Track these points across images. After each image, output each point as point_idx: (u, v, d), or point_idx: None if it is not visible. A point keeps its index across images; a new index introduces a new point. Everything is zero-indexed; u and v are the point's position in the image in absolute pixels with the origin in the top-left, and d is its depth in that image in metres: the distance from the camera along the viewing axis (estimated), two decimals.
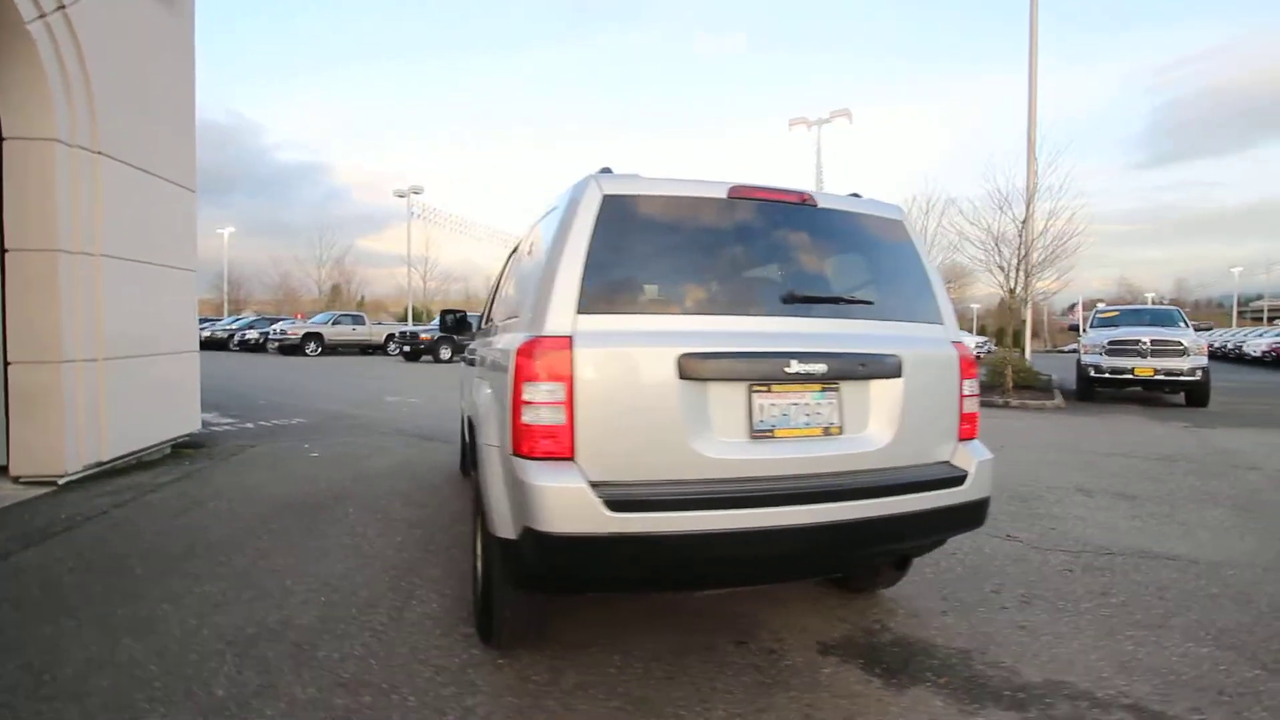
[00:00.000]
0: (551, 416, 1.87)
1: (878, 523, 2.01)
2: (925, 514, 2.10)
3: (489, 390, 2.28)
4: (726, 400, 1.99)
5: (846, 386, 2.11)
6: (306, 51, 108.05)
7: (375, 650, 2.40)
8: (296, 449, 6.26)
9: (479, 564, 2.46)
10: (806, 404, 2.06)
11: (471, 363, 3.93)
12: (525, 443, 1.89)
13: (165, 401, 5.75)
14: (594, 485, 1.81)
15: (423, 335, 20.98)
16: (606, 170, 2.21)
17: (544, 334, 1.92)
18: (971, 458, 2.26)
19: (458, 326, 4.64)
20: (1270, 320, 49.00)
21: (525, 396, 1.88)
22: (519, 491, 1.88)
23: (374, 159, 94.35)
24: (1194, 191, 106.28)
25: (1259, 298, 61.35)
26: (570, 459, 1.88)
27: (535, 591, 2.12)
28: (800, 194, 2.25)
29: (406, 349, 21.08)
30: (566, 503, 1.80)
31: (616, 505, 1.80)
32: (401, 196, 30.01)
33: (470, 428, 4.38)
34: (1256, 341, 25.66)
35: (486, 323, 4.40)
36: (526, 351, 1.91)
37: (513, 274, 3.04)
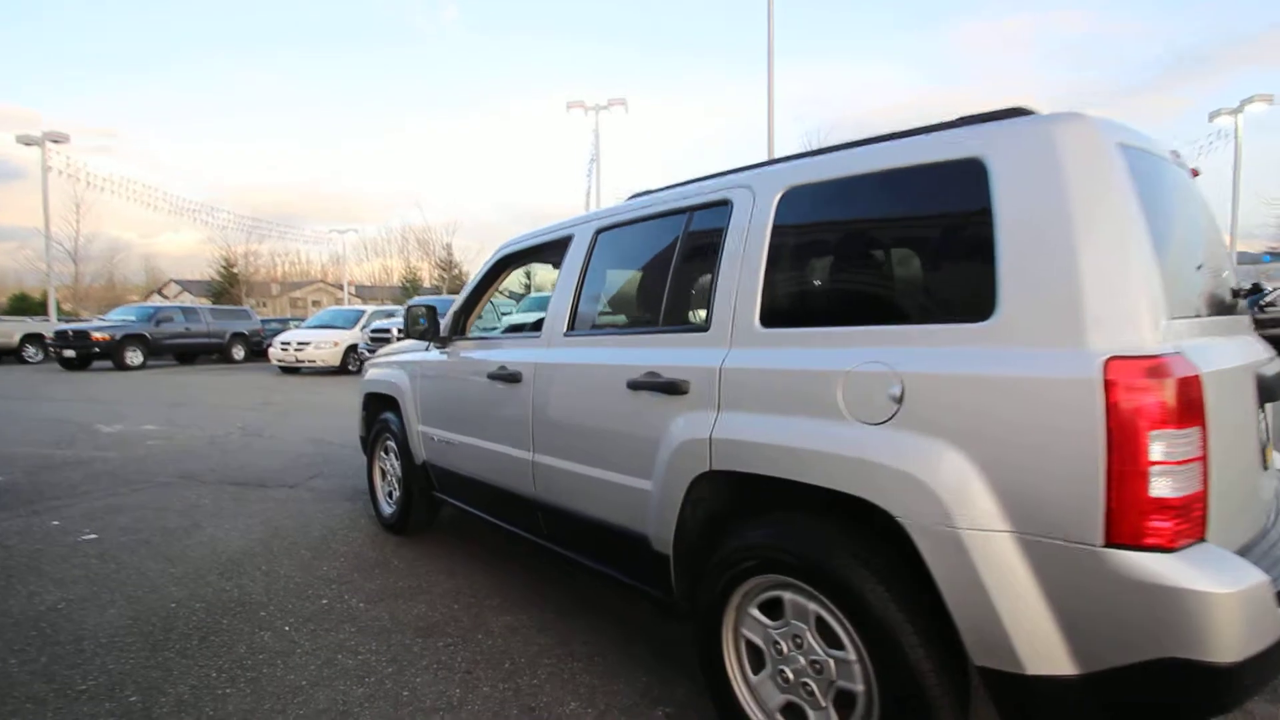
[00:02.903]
0: (1187, 481, 1.20)
1: None
2: None
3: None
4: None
5: None
6: None
7: None
8: (42, 530, 3.91)
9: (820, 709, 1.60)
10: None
11: (506, 378, 2.68)
12: (1150, 524, 1.18)
13: None
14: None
15: (95, 335, 15.60)
16: (1024, 110, 1.53)
17: (1152, 353, 1.21)
18: None
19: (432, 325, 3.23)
20: None
21: (1156, 454, 1.17)
22: (1145, 604, 1.17)
23: None
24: None
25: None
26: (1202, 539, 1.24)
27: None
28: (1193, 168, 1.85)
29: (70, 354, 15.51)
30: (1252, 611, 1.17)
31: None
32: (30, 144, 21.49)
33: (453, 465, 3.08)
34: None
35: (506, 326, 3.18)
36: (1134, 381, 1.18)
37: (700, 261, 2.08)
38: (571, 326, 2.47)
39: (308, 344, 14.87)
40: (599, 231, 2.49)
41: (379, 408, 3.89)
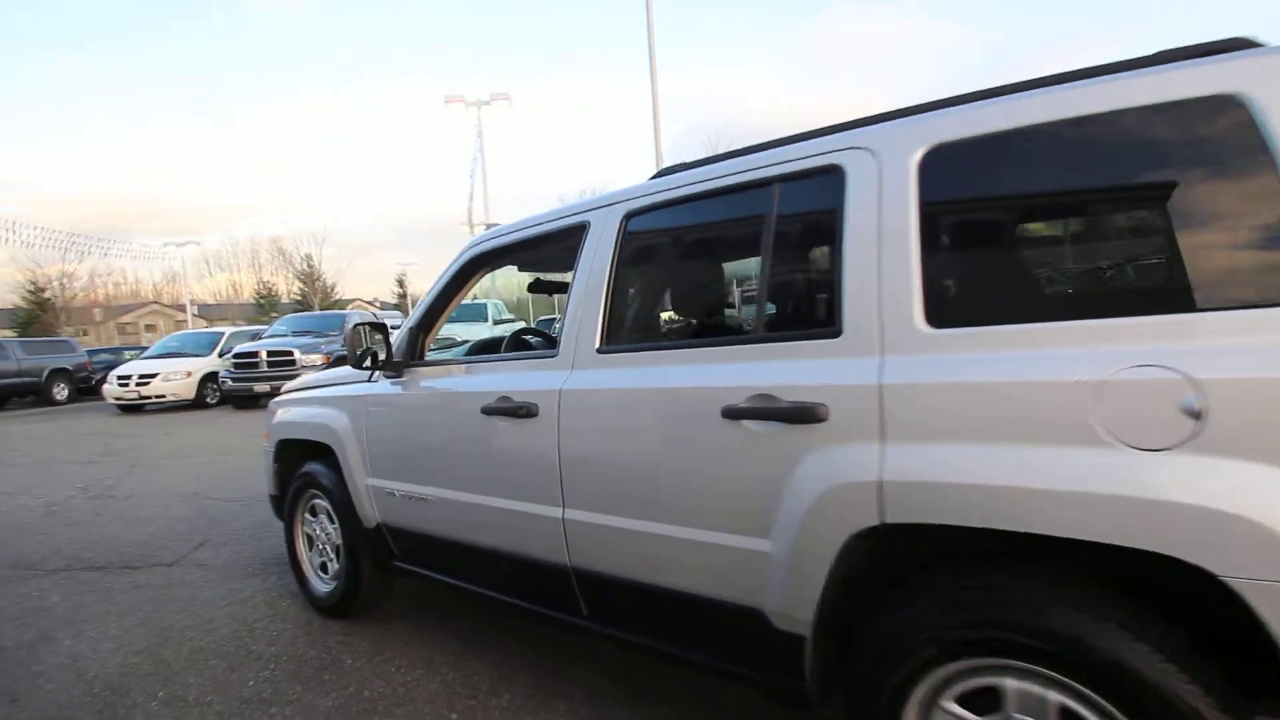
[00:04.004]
0: None
1: None
2: None
3: None
4: None
5: None
6: None
7: None
8: None
9: None
10: None
11: (511, 413, 2.06)
12: None
13: None
14: None
15: None
16: (1248, 42, 1.21)
17: None
18: None
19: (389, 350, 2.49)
20: None
21: None
22: None
23: None
24: None
25: None
26: None
27: None
28: None
29: None
30: None
31: None
32: None
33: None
34: None
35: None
36: None
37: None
38: (607, 340, 1.90)
39: (154, 376, 12.81)
40: (629, 216, 1.94)
41: (299, 457, 3.07)
